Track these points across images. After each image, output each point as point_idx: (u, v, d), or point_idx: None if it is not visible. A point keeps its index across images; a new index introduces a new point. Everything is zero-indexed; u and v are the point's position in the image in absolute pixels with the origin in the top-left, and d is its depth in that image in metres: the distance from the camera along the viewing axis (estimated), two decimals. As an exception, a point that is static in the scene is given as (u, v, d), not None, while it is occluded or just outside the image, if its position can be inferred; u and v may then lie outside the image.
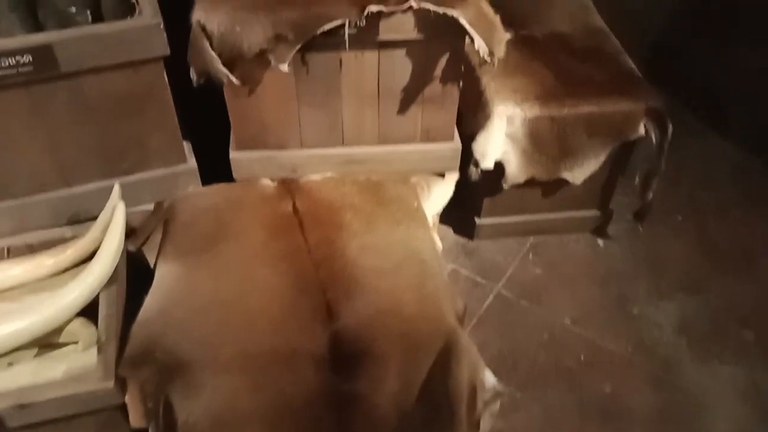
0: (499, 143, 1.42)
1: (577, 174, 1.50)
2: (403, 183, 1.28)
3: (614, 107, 1.41)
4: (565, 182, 1.52)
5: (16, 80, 0.97)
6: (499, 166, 1.46)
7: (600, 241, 1.67)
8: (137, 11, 1.03)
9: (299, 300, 1.07)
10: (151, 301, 1.07)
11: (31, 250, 1.15)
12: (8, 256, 1.14)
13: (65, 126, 1.06)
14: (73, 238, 1.15)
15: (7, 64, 0.94)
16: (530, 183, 1.51)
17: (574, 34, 1.57)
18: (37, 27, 1.07)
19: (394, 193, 1.25)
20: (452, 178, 1.36)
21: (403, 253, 1.16)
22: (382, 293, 1.09)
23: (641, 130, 1.43)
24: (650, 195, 1.55)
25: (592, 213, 1.64)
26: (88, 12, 1.08)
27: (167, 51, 1.03)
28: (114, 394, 0.99)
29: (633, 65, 1.50)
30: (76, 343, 1.07)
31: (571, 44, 1.54)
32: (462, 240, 1.68)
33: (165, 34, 1.02)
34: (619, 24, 1.63)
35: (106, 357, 1.00)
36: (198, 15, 1.02)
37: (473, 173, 1.46)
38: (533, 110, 1.39)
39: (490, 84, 1.43)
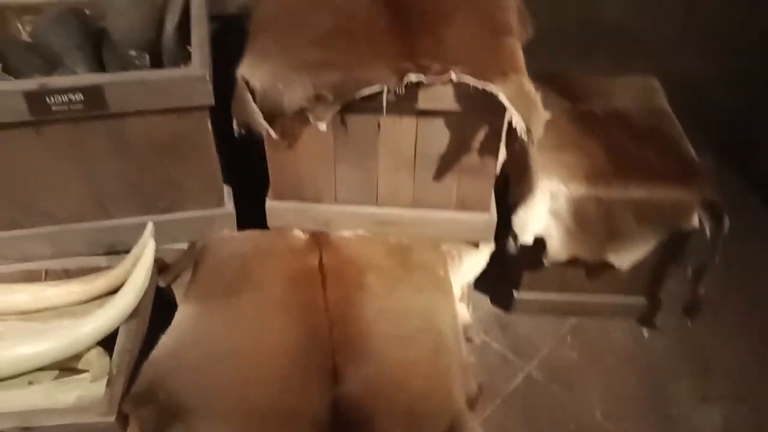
0: (540, 218, 1.38)
1: (624, 259, 1.43)
2: (432, 249, 1.26)
3: (666, 195, 1.35)
4: (611, 265, 1.45)
5: (67, 116, 1.03)
6: (542, 241, 1.41)
7: (645, 331, 1.58)
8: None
9: (308, 358, 1.07)
10: (165, 340, 1.09)
11: (68, 275, 1.20)
12: (45, 279, 1.19)
13: (108, 162, 1.12)
14: (107, 268, 1.19)
15: (60, 100, 1.00)
16: (574, 262, 1.46)
17: (635, 113, 1.52)
18: (100, 66, 1.13)
19: (421, 259, 1.24)
20: (486, 250, 1.33)
21: (421, 323, 1.14)
22: (392, 363, 1.07)
23: (695, 222, 1.36)
24: (701, 290, 1.46)
25: (639, 300, 1.57)
26: (147, 56, 1.14)
27: (212, 101, 1.07)
28: (115, 428, 1.00)
29: (693, 152, 1.43)
30: (90, 371, 1.10)
31: (631, 124, 1.49)
32: (498, 312, 1.63)
33: (211, 85, 1.05)
34: (691, 109, 1.58)
35: (113, 391, 1.02)
36: (243, 70, 1.06)
37: (511, 246, 1.42)
38: (579, 189, 1.35)
39: (537, 157, 1.40)
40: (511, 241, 1.41)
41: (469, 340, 1.36)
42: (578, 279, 1.53)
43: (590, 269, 1.50)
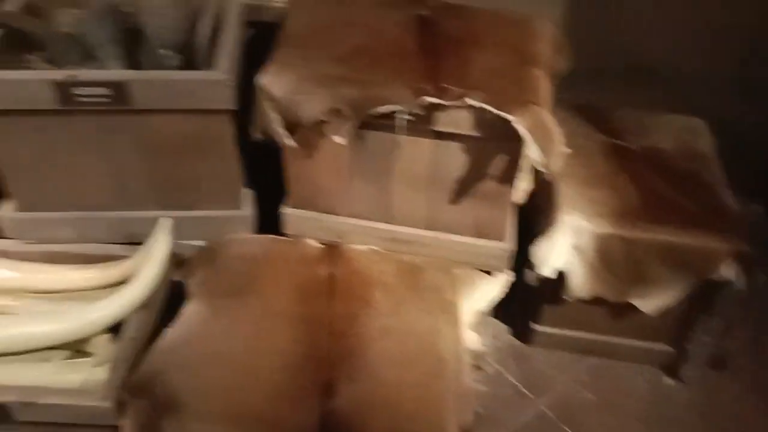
0: (561, 253, 1.34)
1: (649, 304, 1.38)
2: (444, 272, 1.25)
3: (695, 242, 1.29)
4: (635, 307, 1.40)
5: (93, 108, 1.07)
6: (564, 275, 1.38)
7: (667, 381, 1.51)
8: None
9: (304, 370, 1.07)
10: (170, 334, 1.11)
11: (87, 260, 1.24)
12: (65, 262, 1.24)
13: (131, 156, 1.15)
14: (125, 257, 1.23)
15: (87, 93, 1.04)
16: (597, 301, 1.41)
17: (674, 154, 1.46)
18: (133, 63, 1.17)
19: (431, 282, 1.22)
20: (501, 279, 1.30)
21: (422, 346, 1.13)
22: (387, 383, 1.06)
23: (725, 272, 1.29)
24: (730, 343, 1.39)
25: (664, 348, 1.50)
26: (179, 57, 1.17)
27: (233, 105, 1.09)
28: (110, 415, 1.03)
29: (731, 201, 1.36)
30: (97, 356, 1.13)
31: (668, 164, 1.43)
32: (516, 343, 1.59)
33: (232, 90, 1.08)
34: (740, 155, 1.51)
35: (113, 378, 1.05)
36: (263, 78, 1.08)
37: (530, 277, 1.39)
38: (603, 227, 1.30)
39: (564, 190, 1.36)
40: (529, 272, 1.38)
41: (478, 368, 1.33)
42: (601, 319, 1.48)
43: (614, 310, 1.45)
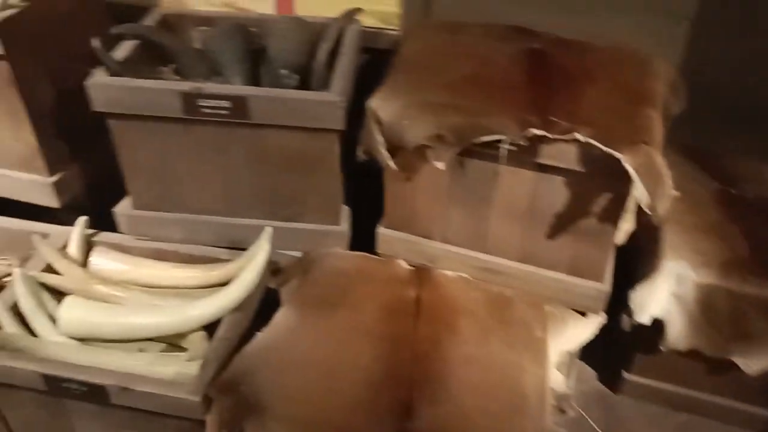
0: (661, 300, 1.29)
1: (752, 363, 1.29)
2: (534, 308, 1.23)
3: (811, 303, 1.20)
4: (736, 365, 1.32)
5: (213, 119, 1.14)
6: (661, 324, 1.32)
7: (767, 449, 1.41)
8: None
9: (386, 387, 1.08)
10: (260, 338, 1.15)
11: (192, 260, 1.31)
12: (172, 260, 1.32)
13: (243, 166, 1.21)
14: (227, 260, 1.29)
15: (210, 104, 1.11)
16: (695, 354, 1.34)
17: (793, 207, 1.38)
18: (254, 80, 1.24)
19: (519, 316, 1.21)
20: (594, 321, 1.26)
21: (505, 380, 1.11)
22: (467, 413, 1.05)
23: (842, 339, 1.20)
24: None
25: (764, 412, 1.40)
26: (297, 77, 1.23)
27: (342, 126, 1.13)
28: (197, 408, 1.07)
29: None
30: (191, 351, 1.19)
31: (786, 217, 1.36)
32: (603, 389, 1.53)
33: (343, 111, 1.12)
34: None
35: (203, 374, 1.10)
36: (373, 102, 1.11)
37: (625, 323, 1.34)
38: (708, 277, 1.24)
39: (670, 237, 1.31)
40: (625, 317, 1.33)
41: (561, 410, 1.30)
42: (697, 374, 1.40)
43: (712, 366, 1.37)
